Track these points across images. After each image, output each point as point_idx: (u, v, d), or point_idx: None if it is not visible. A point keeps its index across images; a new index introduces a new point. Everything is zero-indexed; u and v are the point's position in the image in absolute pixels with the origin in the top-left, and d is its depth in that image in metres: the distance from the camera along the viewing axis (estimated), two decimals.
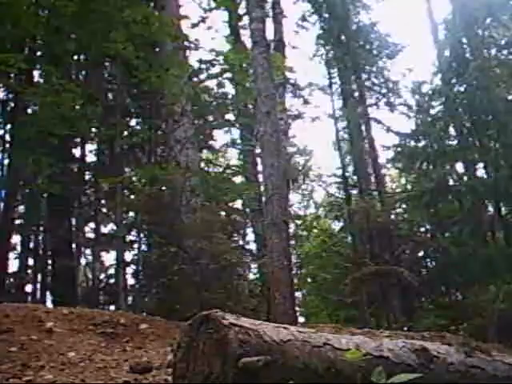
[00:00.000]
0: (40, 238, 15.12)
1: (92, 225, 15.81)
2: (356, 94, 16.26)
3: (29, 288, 14.63)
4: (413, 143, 13.95)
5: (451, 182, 13.39)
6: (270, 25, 15.44)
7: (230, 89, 14.50)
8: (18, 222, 14.35)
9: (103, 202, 15.34)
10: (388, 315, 12.74)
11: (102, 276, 15.57)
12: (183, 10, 13.77)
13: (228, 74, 13.30)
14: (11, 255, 13.63)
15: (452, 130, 13.79)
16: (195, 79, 13.26)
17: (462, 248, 11.76)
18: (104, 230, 15.61)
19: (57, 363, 4.14)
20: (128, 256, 13.22)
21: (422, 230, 14.74)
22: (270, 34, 14.68)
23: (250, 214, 13.88)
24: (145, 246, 13.07)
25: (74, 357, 4.35)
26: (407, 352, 2.55)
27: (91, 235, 15.74)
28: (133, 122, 15.41)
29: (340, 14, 15.72)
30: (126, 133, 13.31)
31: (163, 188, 10.16)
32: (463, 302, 11.82)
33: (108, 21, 9.83)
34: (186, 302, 7.84)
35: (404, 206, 14.83)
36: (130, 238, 13.73)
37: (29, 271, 14.86)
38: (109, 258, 16.15)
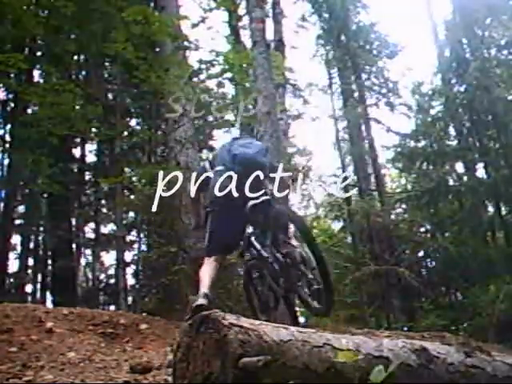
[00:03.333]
0: (40, 238, 15.14)
1: (92, 225, 15.85)
2: (356, 94, 16.25)
3: (29, 288, 14.67)
4: (413, 143, 13.96)
5: (451, 182, 13.40)
6: (270, 25, 15.41)
7: (230, 89, 14.51)
8: (18, 222, 14.36)
9: (103, 202, 15.36)
10: (388, 315, 12.74)
11: (102, 276, 15.61)
12: (183, 10, 13.75)
13: (228, 74, 13.29)
14: (11, 255, 13.67)
15: (452, 130, 13.81)
16: (195, 79, 13.24)
17: (461, 248, 11.76)
18: (104, 230, 15.66)
19: (57, 363, 4.13)
20: (128, 256, 13.25)
21: (422, 229, 14.72)
22: (270, 34, 14.65)
23: None
24: (145, 246, 13.08)
25: (74, 357, 4.34)
26: (407, 352, 2.55)
27: (91, 235, 15.79)
28: (133, 122, 15.42)
29: (340, 14, 15.73)
30: (125, 133, 13.30)
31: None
32: (463, 302, 11.82)
33: (108, 21, 9.82)
34: (186, 301, 7.82)
35: (404, 206, 14.82)
36: (129, 238, 13.75)
37: (29, 271, 14.87)
38: (109, 258, 16.19)
